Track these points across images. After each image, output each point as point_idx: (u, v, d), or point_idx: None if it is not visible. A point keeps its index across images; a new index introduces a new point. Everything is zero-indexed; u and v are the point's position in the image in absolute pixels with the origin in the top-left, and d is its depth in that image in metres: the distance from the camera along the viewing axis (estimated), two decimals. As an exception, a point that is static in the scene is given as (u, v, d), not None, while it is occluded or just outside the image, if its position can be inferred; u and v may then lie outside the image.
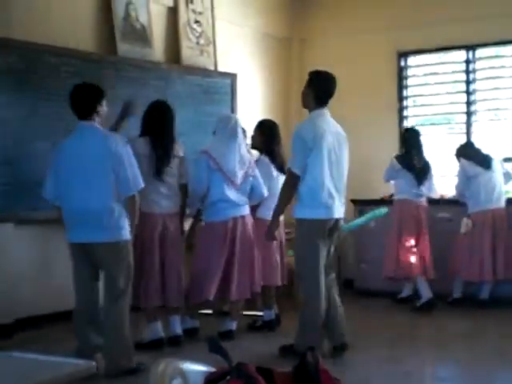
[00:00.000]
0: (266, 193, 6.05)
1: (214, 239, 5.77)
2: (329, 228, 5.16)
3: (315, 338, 5.07)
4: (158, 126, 5.61)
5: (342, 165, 5.26)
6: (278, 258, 6.25)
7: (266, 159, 6.22)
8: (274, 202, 6.13)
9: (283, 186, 5.26)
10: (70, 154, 4.79)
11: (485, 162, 7.26)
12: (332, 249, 5.31)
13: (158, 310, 5.61)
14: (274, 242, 6.13)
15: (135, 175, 4.85)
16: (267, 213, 6.06)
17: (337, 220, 5.21)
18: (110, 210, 4.73)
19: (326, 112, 5.27)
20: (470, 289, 7.34)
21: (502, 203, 7.30)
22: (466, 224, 7.23)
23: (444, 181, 8.19)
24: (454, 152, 7.53)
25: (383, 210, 7.10)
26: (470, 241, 7.22)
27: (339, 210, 5.22)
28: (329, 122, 5.25)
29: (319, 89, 5.25)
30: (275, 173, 6.23)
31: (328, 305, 5.22)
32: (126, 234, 4.82)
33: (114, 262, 4.81)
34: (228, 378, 2.09)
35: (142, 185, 4.92)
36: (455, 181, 7.51)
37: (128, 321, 4.87)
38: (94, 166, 4.74)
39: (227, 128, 5.86)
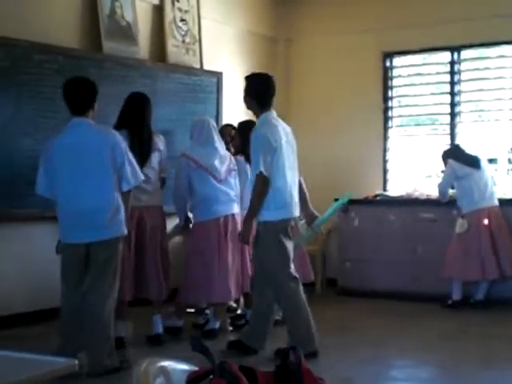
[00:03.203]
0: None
1: (208, 238, 5.77)
2: (290, 227, 5.23)
3: (306, 336, 5.14)
4: (138, 119, 5.55)
5: (294, 163, 5.32)
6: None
7: (241, 159, 6.21)
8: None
9: (256, 191, 5.11)
10: (69, 152, 4.71)
11: (474, 162, 7.24)
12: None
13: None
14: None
15: (134, 169, 4.87)
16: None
17: (294, 218, 5.31)
18: (112, 206, 4.72)
19: (274, 113, 5.29)
20: (466, 290, 7.24)
21: (496, 201, 7.27)
22: (461, 224, 7.13)
23: (429, 181, 8.23)
24: (442, 154, 7.46)
25: (346, 195, 6.94)
26: (466, 241, 7.14)
27: (296, 208, 5.29)
28: (280, 122, 5.29)
29: (258, 93, 5.25)
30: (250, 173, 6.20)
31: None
32: (124, 228, 4.82)
33: (108, 258, 4.76)
34: (211, 376, 2.09)
35: (142, 177, 4.96)
36: (439, 181, 7.52)
37: (113, 319, 4.84)
38: (95, 163, 4.71)
39: (202, 133, 5.92)
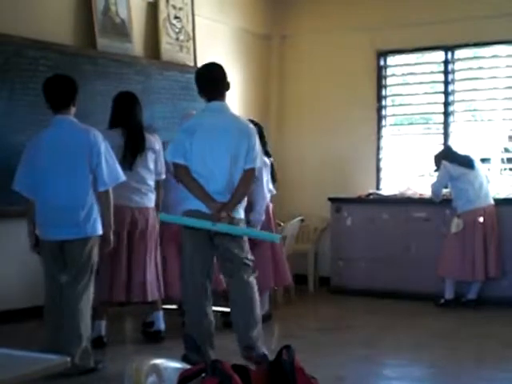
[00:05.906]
0: None
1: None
2: None
3: None
4: (127, 117, 5.52)
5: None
6: None
7: None
8: None
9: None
10: (48, 149, 4.68)
11: (468, 162, 7.25)
12: None
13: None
14: None
15: (112, 170, 4.78)
16: None
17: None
18: (86, 205, 4.66)
19: (212, 105, 4.82)
20: (458, 289, 7.28)
21: (491, 200, 7.28)
22: (456, 224, 7.15)
23: (422, 180, 8.23)
24: (434, 157, 7.44)
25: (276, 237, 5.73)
26: (462, 240, 7.16)
27: None
28: (212, 116, 4.83)
29: (200, 84, 4.88)
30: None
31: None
32: (99, 228, 4.75)
33: (83, 257, 4.68)
34: (203, 375, 2.09)
35: (122, 178, 4.86)
36: (432, 180, 7.53)
37: (86, 319, 4.71)
38: (72, 160, 4.67)
39: None
